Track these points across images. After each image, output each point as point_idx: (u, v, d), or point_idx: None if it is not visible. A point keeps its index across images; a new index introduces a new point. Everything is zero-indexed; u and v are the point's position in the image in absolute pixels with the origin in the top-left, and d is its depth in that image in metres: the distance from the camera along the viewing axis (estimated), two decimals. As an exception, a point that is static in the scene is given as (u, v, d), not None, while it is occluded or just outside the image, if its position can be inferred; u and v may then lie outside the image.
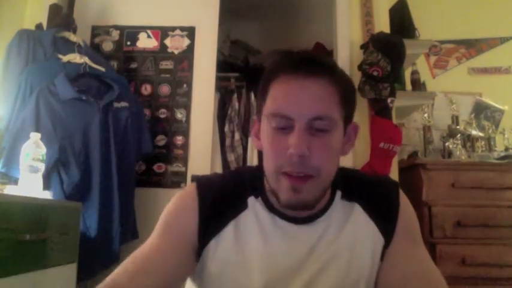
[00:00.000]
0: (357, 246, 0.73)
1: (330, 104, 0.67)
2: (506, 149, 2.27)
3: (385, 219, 0.75)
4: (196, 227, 0.73)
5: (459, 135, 2.29)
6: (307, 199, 0.68)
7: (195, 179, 0.80)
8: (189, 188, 0.78)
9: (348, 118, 0.72)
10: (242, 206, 0.75)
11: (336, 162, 0.72)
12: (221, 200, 0.75)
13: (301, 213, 0.72)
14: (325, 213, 0.75)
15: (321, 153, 0.66)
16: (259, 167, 0.76)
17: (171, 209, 0.76)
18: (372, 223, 0.75)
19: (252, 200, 0.76)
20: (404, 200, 0.78)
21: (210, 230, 0.73)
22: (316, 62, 0.69)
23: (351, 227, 0.74)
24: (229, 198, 0.76)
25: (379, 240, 0.74)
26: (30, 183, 1.45)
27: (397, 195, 0.78)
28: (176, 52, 2.23)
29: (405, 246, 0.74)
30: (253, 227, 0.74)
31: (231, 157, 2.40)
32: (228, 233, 0.73)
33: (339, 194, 0.77)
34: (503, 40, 2.86)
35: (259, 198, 0.76)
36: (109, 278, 0.64)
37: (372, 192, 0.78)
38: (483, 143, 2.32)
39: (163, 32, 2.25)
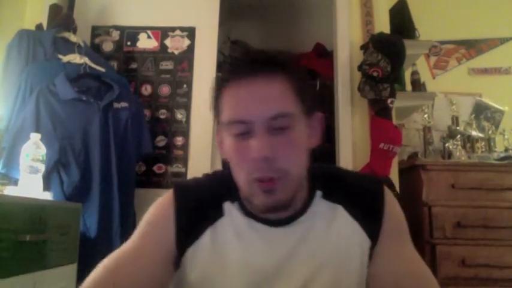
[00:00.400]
0: (345, 254, 0.72)
1: (286, 99, 0.66)
2: (506, 149, 2.27)
3: (370, 220, 0.73)
4: (174, 234, 0.72)
5: (459, 136, 2.29)
6: (283, 199, 0.67)
7: (173, 185, 0.80)
8: (166, 196, 0.77)
9: (308, 110, 0.71)
10: (219, 212, 0.74)
11: (305, 157, 0.70)
12: (197, 207, 0.74)
13: (279, 215, 0.71)
14: (304, 213, 0.73)
15: (286, 152, 0.65)
16: None
17: (149, 218, 0.76)
18: (357, 225, 0.73)
19: (228, 205, 0.75)
20: (389, 198, 0.76)
21: (188, 238, 0.73)
22: (263, 61, 0.68)
23: (336, 233, 0.72)
24: (206, 204, 0.75)
25: (366, 242, 0.73)
26: (30, 184, 1.45)
27: (382, 193, 0.75)
28: (176, 52, 2.23)
29: (393, 246, 0.73)
30: (230, 232, 0.73)
31: (231, 157, 2.40)
32: (205, 240, 0.73)
33: (319, 193, 0.75)
34: (503, 40, 2.86)
35: (236, 202, 0.75)
36: None
37: (356, 192, 0.75)
38: (483, 143, 2.32)
39: (163, 33, 2.25)
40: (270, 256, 0.71)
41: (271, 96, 0.65)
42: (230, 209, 0.74)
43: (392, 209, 0.76)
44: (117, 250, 0.71)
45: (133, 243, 0.73)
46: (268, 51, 0.71)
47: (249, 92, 0.66)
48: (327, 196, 0.75)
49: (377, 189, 0.76)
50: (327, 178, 0.77)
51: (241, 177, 0.68)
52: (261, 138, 0.64)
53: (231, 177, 0.72)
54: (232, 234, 0.73)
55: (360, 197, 0.75)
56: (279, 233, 0.72)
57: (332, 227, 0.73)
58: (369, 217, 0.73)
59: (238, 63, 0.69)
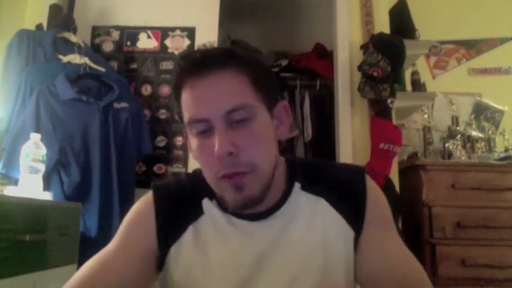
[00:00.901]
0: (330, 246, 0.71)
1: (240, 91, 0.65)
2: (506, 150, 2.26)
3: (353, 210, 0.72)
4: (155, 234, 0.73)
5: (459, 136, 2.29)
6: (253, 195, 0.66)
7: (152, 186, 0.79)
8: (146, 196, 0.78)
9: (269, 99, 0.69)
10: (199, 210, 0.74)
11: (273, 148, 0.69)
12: (177, 205, 0.74)
13: (256, 208, 0.70)
14: (282, 206, 0.72)
15: (250, 145, 0.64)
16: None
17: (129, 219, 0.76)
18: (340, 217, 0.72)
19: (206, 202, 0.74)
20: (371, 187, 0.75)
21: (169, 237, 0.73)
22: (212, 56, 0.67)
23: (319, 226, 0.71)
24: (185, 202, 0.75)
25: (349, 234, 0.71)
26: (30, 184, 1.44)
27: (363, 182, 0.74)
28: (176, 52, 2.23)
29: (378, 235, 0.71)
30: (210, 230, 0.73)
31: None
32: (187, 238, 0.73)
33: (297, 185, 0.74)
34: (503, 41, 2.86)
35: (214, 200, 0.74)
36: None
37: (337, 184, 0.74)
38: (483, 144, 2.31)
39: (163, 33, 2.25)
40: (250, 251, 0.70)
41: (225, 90, 0.64)
42: (209, 206, 0.74)
43: (375, 197, 0.74)
44: (100, 251, 0.72)
45: (116, 243, 0.73)
46: (219, 47, 0.71)
47: (203, 89, 0.65)
48: (306, 188, 0.74)
49: (359, 180, 0.75)
50: (306, 170, 0.76)
51: (210, 175, 0.68)
52: (221, 135, 0.63)
53: None
54: (212, 231, 0.73)
55: (341, 188, 0.74)
56: (258, 227, 0.71)
57: (315, 219, 0.72)
58: (352, 209, 0.72)
59: (189, 63, 0.67)
